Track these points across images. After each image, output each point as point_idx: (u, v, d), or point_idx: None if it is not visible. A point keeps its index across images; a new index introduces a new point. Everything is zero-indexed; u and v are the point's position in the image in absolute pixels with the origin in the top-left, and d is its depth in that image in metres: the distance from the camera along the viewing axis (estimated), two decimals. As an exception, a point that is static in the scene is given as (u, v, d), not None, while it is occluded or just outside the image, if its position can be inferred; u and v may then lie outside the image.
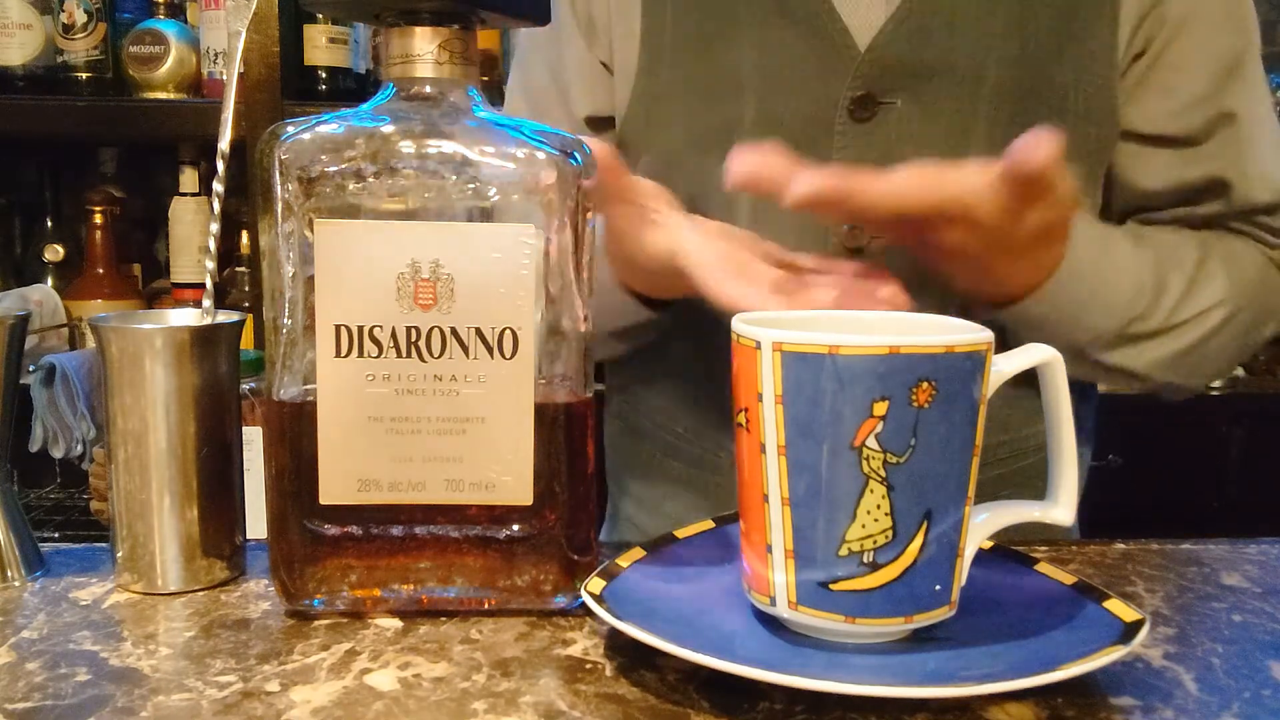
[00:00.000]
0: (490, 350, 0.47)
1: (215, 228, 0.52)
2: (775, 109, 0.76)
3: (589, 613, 0.45)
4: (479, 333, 0.46)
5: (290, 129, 0.47)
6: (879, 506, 0.41)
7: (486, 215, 0.47)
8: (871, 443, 0.41)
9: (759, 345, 0.42)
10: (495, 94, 1.43)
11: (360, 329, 0.46)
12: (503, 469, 0.47)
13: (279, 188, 0.46)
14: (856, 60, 0.74)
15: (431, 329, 0.46)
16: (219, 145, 0.52)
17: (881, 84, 0.74)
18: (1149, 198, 0.79)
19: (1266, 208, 0.76)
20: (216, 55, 1.50)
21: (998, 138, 0.75)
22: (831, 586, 0.42)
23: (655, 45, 0.78)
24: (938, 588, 0.43)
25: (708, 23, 0.77)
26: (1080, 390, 0.55)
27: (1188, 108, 0.76)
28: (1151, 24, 0.75)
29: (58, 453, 1.28)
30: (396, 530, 0.48)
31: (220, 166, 0.52)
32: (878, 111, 0.75)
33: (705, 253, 0.58)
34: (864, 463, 0.41)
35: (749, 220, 0.77)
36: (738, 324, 0.44)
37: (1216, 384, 1.75)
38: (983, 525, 0.45)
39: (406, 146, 0.47)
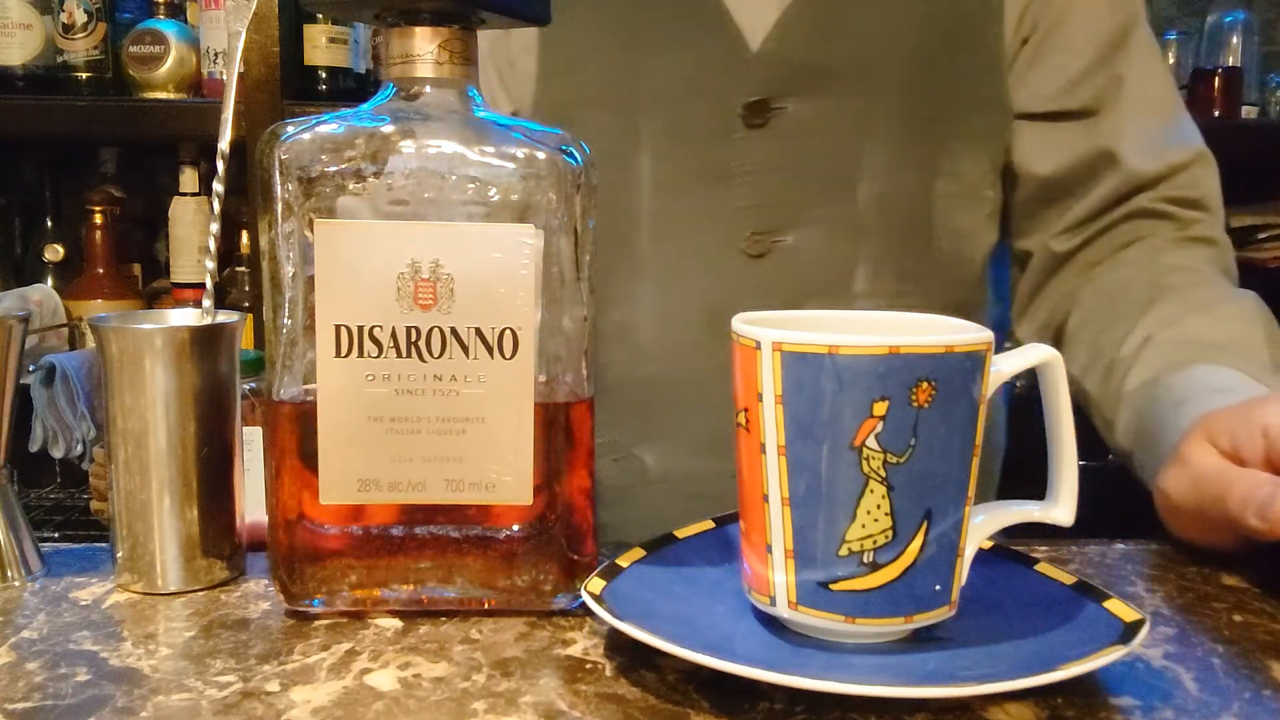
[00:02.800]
0: (490, 350, 0.47)
1: (215, 228, 0.52)
2: (675, 117, 0.76)
3: (589, 613, 0.45)
4: (479, 333, 0.46)
5: (290, 129, 0.47)
6: (879, 506, 0.41)
7: (486, 215, 0.47)
8: (871, 443, 0.41)
9: (759, 345, 0.42)
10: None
11: (360, 329, 0.46)
12: (503, 469, 0.47)
13: (279, 188, 0.46)
14: (748, 63, 0.74)
15: (431, 329, 0.46)
16: (219, 145, 0.52)
17: (775, 88, 0.74)
18: (1045, 184, 0.79)
19: (1153, 179, 0.76)
20: (216, 55, 1.50)
21: (895, 135, 0.75)
22: (831, 586, 0.42)
23: (553, 52, 0.78)
24: (938, 588, 0.43)
25: (605, 30, 0.77)
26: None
27: (1077, 83, 0.77)
28: (1037, 9, 0.76)
29: (58, 453, 1.28)
30: (396, 530, 0.48)
31: (220, 166, 0.52)
32: (770, 118, 0.74)
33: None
34: (864, 463, 0.41)
35: (652, 228, 0.78)
36: (737, 324, 0.44)
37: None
38: (983, 525, 0.45)
39: (406, 146, 0.47)
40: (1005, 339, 0.85)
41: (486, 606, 0.49)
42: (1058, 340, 0.79)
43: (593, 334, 0.49)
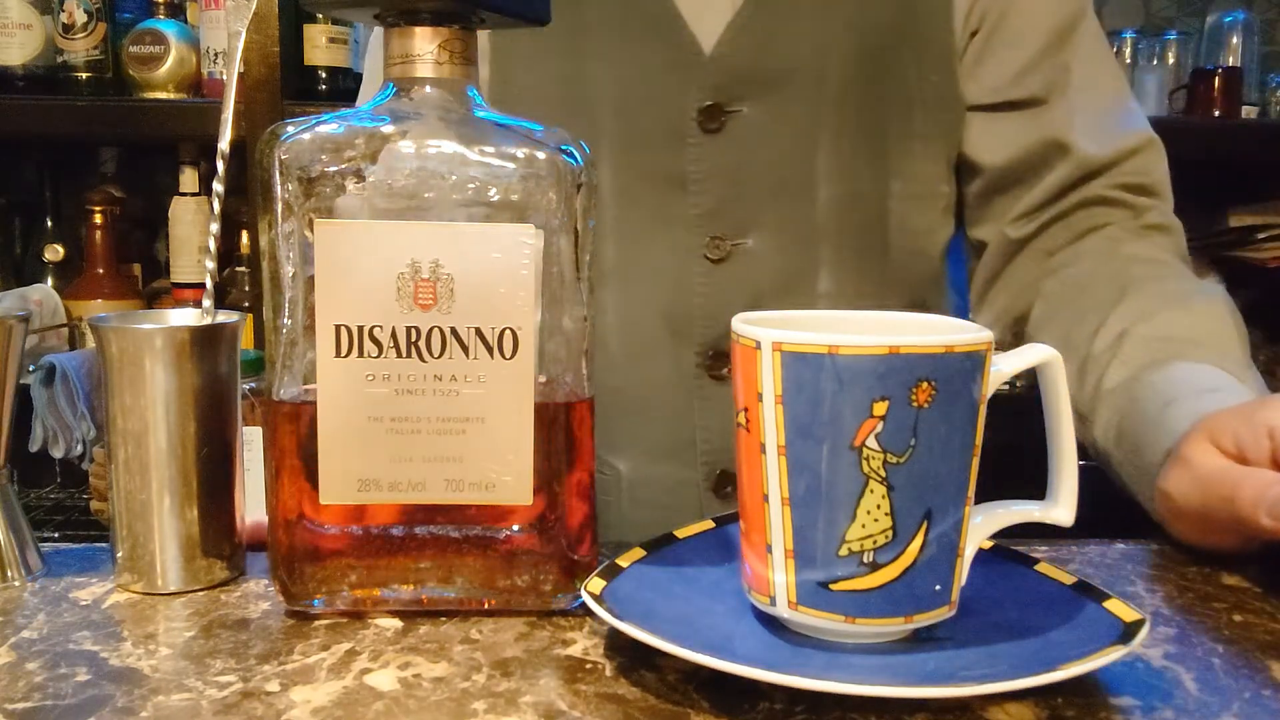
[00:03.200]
0: (490, 350, 0.47)
1: (215, 228, 0.52)
2: (630, 123, 0.76)
3: (589, 613, 0.45)
4: (479, 333, 0.46)
5: (290, 129, 0.47)
6: (879, 506, 0.41)
7: (486, 215, 0.47)
8: (871, 443, 0.41)
9: (759, 345, 0.42)
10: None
11: (360, 329, 0.46)
12: (503, 469, 0.47)
13: (279, 188, 0.46)
14: (702, 66, 0.74)
15: (431, 329, 0.46)
16: (219, 145, 0.52)
17: (728, 92, 0.74)
18: (997, 174, 0.79)
19: (1104, 165, 0.77)
20: (216, 55, 1.50)
21: (846, 136, 0.75)
22: (831, 586, 0.42)
23: (506, 56, 0.78)
24: (938, 588, 0.43)
25: (557, 36, 0.77)
26: None
27: (1025, 72, 0.77)
28: (985, 2, 0.76)
29: (58, 453, 1.28)
30: (396, 530, 0.48)
31: (220, 166, 0.52)
32: (726, 121, 0.75)
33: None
34: (864, 463, 0.41)
35: (613, 235, 0.78)
36: (737, 324, 0.44)
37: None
38: (983, 525, 0.45)
39: (406, 146, 0.47)
40: None
41: (486, 606, 0.49)
42: (1019, 331, 0.79)
43: (592, 334, 0.49)
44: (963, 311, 0.86)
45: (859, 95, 0.75)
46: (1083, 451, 0.46)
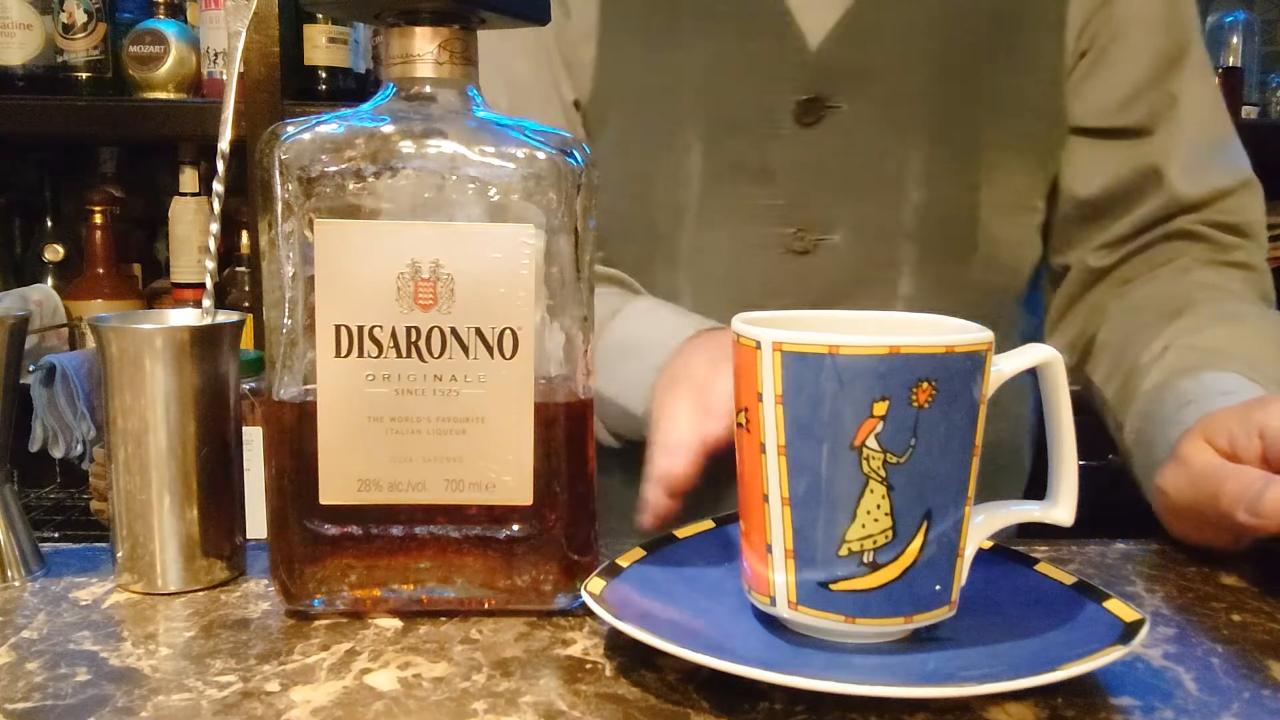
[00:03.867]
0: (490, 350, 0.47)
1: (215, 228, 0.52)
2: (725, 113, 0.76)
3: (589, 613, 0.45)
4: (479, 333, 0.46)
5: (290, 129, 0.47)
6: (879, 506, 0.41)
7: (486, 215, 0.47)
8: (871, 443, 0.41)
9: (759, 345, 0.42)
10: (495, 94, 1.42)
11: (360, 329, 0.46)
12: (503, 469, 0.47)
13: (279, 188, 0.46)
14: (805, 61, 0.74)
15: (431, 329, 0.46)
16: (219, 145, 0.52)
17: (829, 87, 0.75)
18: (1089, 202, 0.79)
19: (1196, 203, 0.77)
20: (216, 55, 1.50)
21: (940, 139, 0.75)
22: (831, 586, 0.42)
23: (611, 42, 0.78)
24: (938, 588, 0.43)
25: (661, 19, 0.77)
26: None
27: (1132, 99, 0.77)
28: (1098, 23, 0.77)
29: (58, 453, 1.28)
30: (396, 530, 0.48)
31: (220, 166, 0.52)
32: (824, 115, 0.75)
33: None
34: (864, 463, 0.41)
35: (695, 213, 0.78)
36: (738, 324, 0.44)
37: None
38: (983, 525, 0.45)
39: (406, 146, 0.47)
40: None
41: (486, 606, 0.49)
42: (1086, 353, 0.79)
43: (593, 333, 0.49)
44: (1038, 332, 0.85)
45: (956, 101, 0.75)
46: (1083, 451, 0.46)
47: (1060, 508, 0.46)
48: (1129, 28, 0.76)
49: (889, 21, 0.74)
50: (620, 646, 0.45)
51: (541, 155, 0.47)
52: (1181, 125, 0.76)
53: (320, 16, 1.46)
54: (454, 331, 0.46)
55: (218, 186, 0.52)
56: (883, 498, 0.41)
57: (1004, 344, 0.44)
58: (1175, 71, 0.77)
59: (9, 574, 0.53)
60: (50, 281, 1.62)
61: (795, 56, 0.74)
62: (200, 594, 0.51)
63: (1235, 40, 1.77)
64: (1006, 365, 0.44)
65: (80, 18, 1.48)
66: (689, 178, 0.77)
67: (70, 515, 1.43)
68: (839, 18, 0.74)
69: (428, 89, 0.48)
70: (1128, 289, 0.78)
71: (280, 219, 0.46)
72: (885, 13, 0.74)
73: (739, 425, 0.44)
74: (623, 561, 0.49)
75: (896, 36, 0.74)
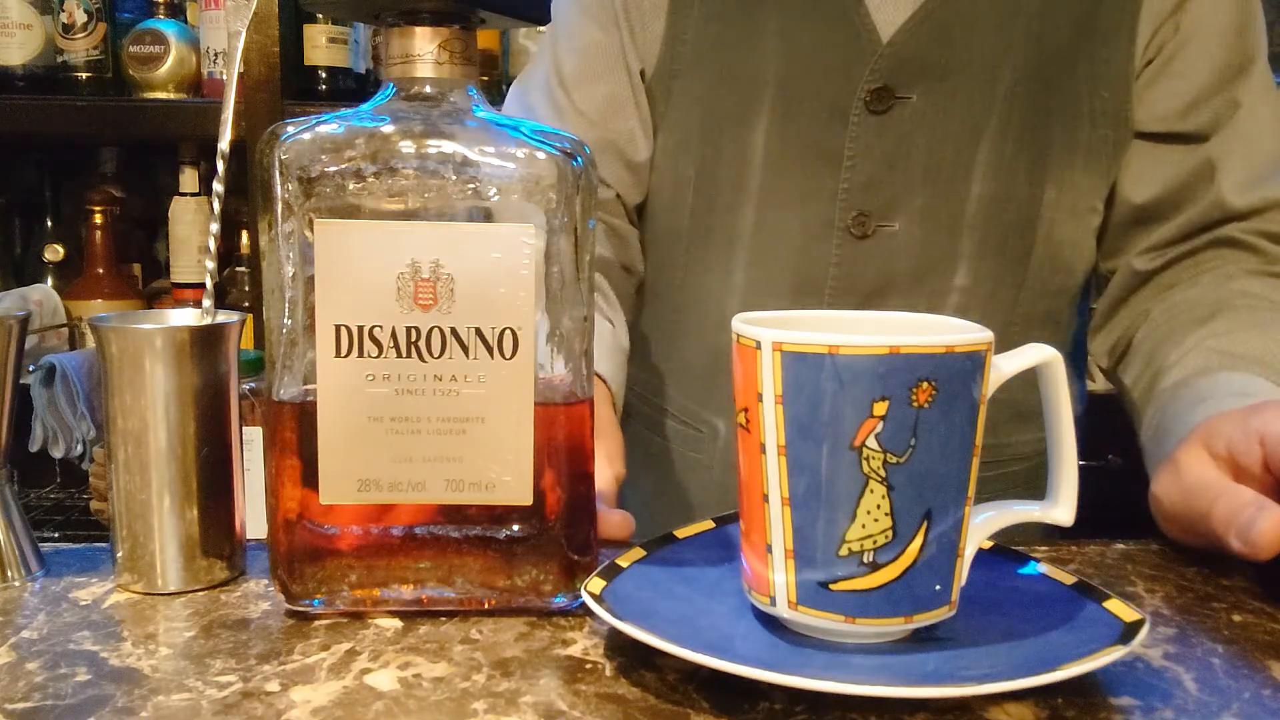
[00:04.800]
0: (490, 350, 0.47)
1: (215, 228, 0.52)
2: (794, 95, 0.77)
3: (589, 613, 0.45)
4: (479, 333, 0.46)
5: (290, 129, 0.47)
6: (879, 506, 0.41)
7: (486, 215, 0.47)
8: (871, 443, 0.41)
9: (759, 345, 0.42)
10: (495, 94, 1.43)
11: (360, 329, 0.46)
12: (503, 469, 0.47)
13: (279, 188, 0.46)
14: (877, 52, 0.74)
15: (431, 329, 0.46)
16: (219, 145, 0.52)
17: (899, 78, 0.75)
18: (1141, 208, 0.79)
19: (1245, 213, 0.76)
20: (216, 55, 1.50)
21: (1009, 137, 0.76)
22: (831, 586, 0.42)
23: (682, 17, 0.79)
24: (938, 588, 0.43)
25: (734, 3, 0.78)
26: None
27: (1195, 105, 0.77)
28: (1166, 31, 0.77)
29: (58, 453, 1.28)
30: (396, 530, 0.48)
31: (220, 166, 0.52)
32: (894, 105, 0.75)
33: None
34: (864, 463, 0.41)
35: (756, 201, 0.79)
36: (738, 324, 0.44)
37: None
38: (983, 525, 0.45)
39: (406, 146, 0.47)
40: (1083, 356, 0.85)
41: (486, 606, 0.49)
42: (1122, 356, 0.79)
43: (592, 333, 0.49)
44: (1084, 334, 0.85)
45: (1027, 100, 0.75)
46: (1083, 451, 0.46)
47: (1060, 508, 0.46)
48: (1196, 36, 0.76)
49: (961, 21, 0.74)
50: (620, 646, 0.45)
51: (541, 155, 0.47)
52: (1239, 133, 0.76)
53: (320, 16, 1.46)
54: (454, 331, 0.46)
55: (218, 186, 0.52)
56: (883, 498, 0.41)
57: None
58: (1240, 80, 0.77)
59: (9, 574, 0.53)
60: (50, 281, 1.62)
61: (868, 47, 0.75)
62: (200, 594, 0.51)
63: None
64: (1006, 365, 0.44)
65: (80, 18, 1.48)
66: (754, 156, 0.78)
67: (70, 515, 1.43)
68: (912, 12, 0.74)
69: (428, 89, 0.48)
70: (1170, 294, 0.78)
71: (280, 219, 0.46)
72: (958, 13, 0.74)
73: (739, 425, 0.44)
74: (623, 561, 0.49)
75: (967, 36, 0.75)
